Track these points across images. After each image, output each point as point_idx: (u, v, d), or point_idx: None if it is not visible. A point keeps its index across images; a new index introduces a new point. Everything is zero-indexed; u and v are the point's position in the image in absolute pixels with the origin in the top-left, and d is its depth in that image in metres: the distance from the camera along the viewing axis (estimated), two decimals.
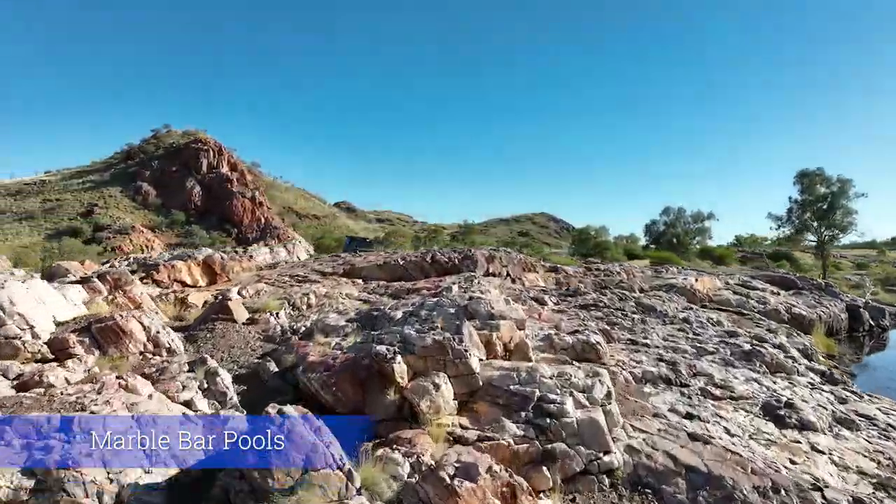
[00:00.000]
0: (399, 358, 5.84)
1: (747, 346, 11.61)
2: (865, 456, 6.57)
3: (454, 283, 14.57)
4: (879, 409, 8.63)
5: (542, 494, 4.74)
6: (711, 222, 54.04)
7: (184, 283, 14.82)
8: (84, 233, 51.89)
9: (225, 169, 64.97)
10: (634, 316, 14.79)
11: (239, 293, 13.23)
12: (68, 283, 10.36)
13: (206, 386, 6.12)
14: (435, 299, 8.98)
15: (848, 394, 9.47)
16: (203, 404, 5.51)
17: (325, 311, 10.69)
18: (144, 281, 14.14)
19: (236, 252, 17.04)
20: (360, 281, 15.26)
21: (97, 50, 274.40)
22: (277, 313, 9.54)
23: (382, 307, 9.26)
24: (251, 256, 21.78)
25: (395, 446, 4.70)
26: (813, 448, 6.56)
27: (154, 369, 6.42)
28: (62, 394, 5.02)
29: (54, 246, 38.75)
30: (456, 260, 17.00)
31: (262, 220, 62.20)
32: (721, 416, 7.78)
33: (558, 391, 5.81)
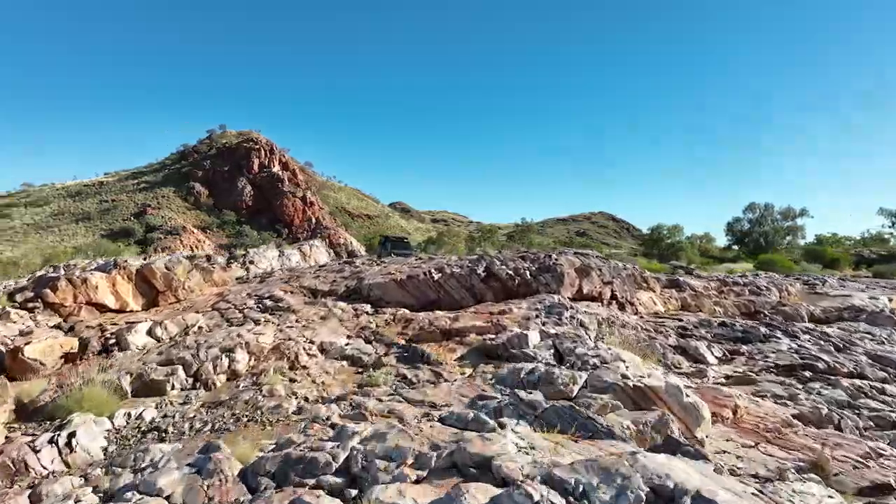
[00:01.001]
0: None
1: None
2: None
3: (530, 320, 8.01)
4: None
5: None
6: (804, 220, 46.31)
7: (102, 308, 9.59)
8: (136, 233, 51.21)
9: (276, 168, 62.78)
10: (889, 388, 7.45)
11: (149, 332, 7.64)
12: None
13: None
14: (485, 440, 2.59)
15: None
16: None
17: (244, 396, 4.66)
18: (30, 304, 9.05)
19: (208, 258, 11.80)
20: (366, 307, 9.18)
21: (180, 51, 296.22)
22: (71, 433, 3.63)
23: (338, 445, 3.03)
24: (251, 261, 16.60)
25: None
26: None
27: None
28: None
29: (89, 247, 36.99)
30: (527, 273, 10.35)
31: (313, 220, 59.20)
32: None
33: None
